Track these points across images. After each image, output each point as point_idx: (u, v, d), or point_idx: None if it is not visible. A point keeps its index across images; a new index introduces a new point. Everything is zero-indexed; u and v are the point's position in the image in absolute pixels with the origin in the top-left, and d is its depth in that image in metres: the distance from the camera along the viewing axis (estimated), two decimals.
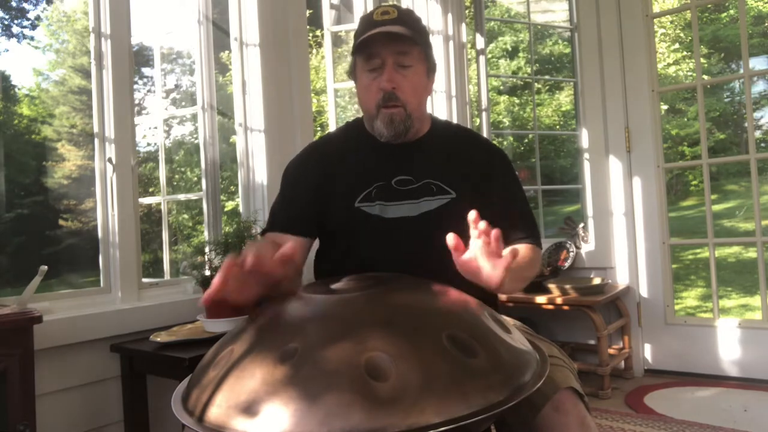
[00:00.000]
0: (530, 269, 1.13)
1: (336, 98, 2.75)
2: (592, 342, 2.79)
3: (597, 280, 2.78)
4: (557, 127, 12.36)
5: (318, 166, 1.26)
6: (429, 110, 2.79)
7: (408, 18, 1.20)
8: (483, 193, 1.22)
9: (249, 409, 0.61)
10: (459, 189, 1.20)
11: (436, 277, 0.94)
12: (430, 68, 1.25)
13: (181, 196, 3.24)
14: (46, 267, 1.36)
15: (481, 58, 3.06)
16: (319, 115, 7.22)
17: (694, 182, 12.30)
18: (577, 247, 2.99)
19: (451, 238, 0.88)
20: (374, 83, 1.18)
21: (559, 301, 2.62)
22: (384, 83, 1.16)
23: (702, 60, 11.94)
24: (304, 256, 1.26)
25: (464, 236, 1.19)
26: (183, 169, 8.19)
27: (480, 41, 3.07)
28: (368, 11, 1.32)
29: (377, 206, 1.18)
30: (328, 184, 1.23)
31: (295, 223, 1.22)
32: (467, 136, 1.33)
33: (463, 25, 3.16)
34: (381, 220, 1.18)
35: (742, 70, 2.98)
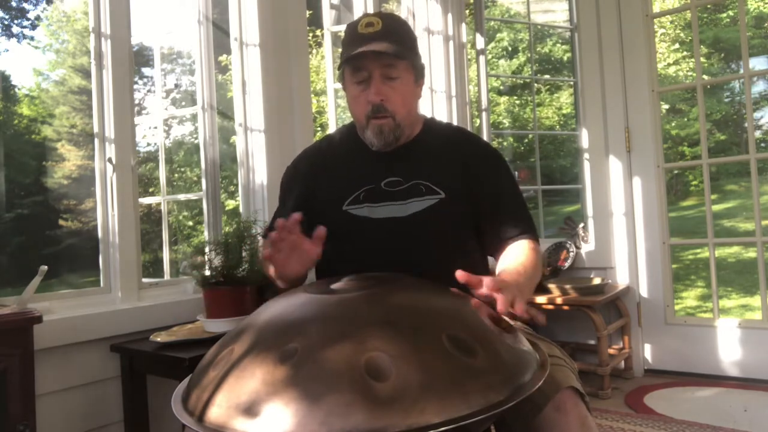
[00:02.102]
0: (535, 269, 1.12)
1: (336, 98, 2.75)
2: (592, 342, 2.79)
3: (597, 280, 2.78)
4: (557, 127, 12.37)
5: (309, 173, 1.29)
6: (429, 111, 2.78)
7: (393, 28, 1.19)
8: (472, 193, 1.22)
9: (249, 409, 0.61)
10: (448, 189, 1.20)
11: (425, 276, 0.94)
12: (417, 75, 1.25)
13: (181, 196, 3.24)
14: (46, 267, 1.36)
15: (481, 58, 3.06)
16: (319, 115, 7.22)
17: (694, 182, 12.30)
18: (577, 247, 2.99)
19: (461, 276, 0.83)
20: (363, 95, 1.19)
21: (559, 301, 2.62)
22: (372, 96, 1.17)
23: (702, 60, 11.93)
24: None
25: (452, 237, 1.19)
26: (183, 169, 8.19)
27: (480, 41, 3.07)
28: (361, 15, 1.32)
29: (365, 208, 1.20)
30: (319, 189, 1.26)
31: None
32: (460, 137, 1.32)
33: (463, 25, 3.16)
34: (369, 221, 1.19)
35: (742, 71, 2.98)
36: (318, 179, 1.27)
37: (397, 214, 1.18)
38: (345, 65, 1.21)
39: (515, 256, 1.14)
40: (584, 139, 3.05)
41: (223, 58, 3.30)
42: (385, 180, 1.21)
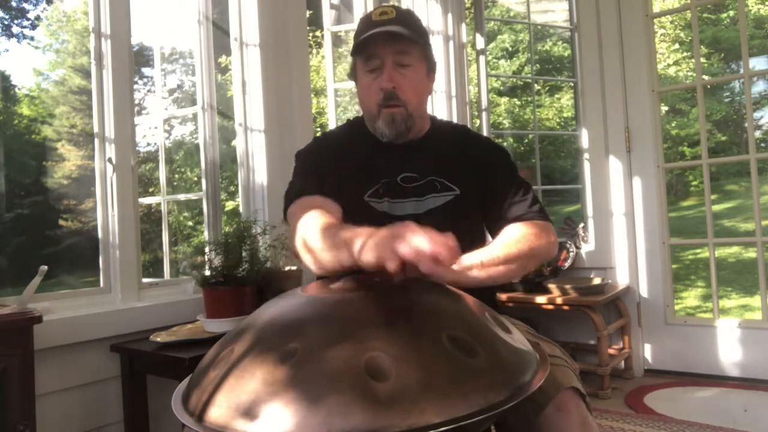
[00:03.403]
0: (519, 245, 1.10)
1: (336, 98, 2.75)
2: (592, 342, 2.79)
3: (597, 280, 2.78)
4: (557, 128, 12.38)
5: (326, 157, 1.25)
6: (429, 110, 2.80)
7: (407, 18, 1.20)
8: (485, 188, 1.23)
9: (249, 409, 0.61)
10: (462, 186, 1.21)
11: None
12: (430, 67, 1.25)
13: (181, 196, 3.24)
14: (46, 267, 1.36)
15: (481, 58, 3.06)
16: (319, 115, 7.22)
17: (694, 182, 12.32)
18: (577, 247, 2.99)
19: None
20: (375, 83, 1.19)
21: (559, 301, 2.62)
22: (384, 83, 1.17)
23: (702, 60, 11.94)
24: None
25: (467, 232, 1.19)
26: (183, 169, 8.19)
27: (480, 41, 3.07)
28: (368, 11, 1.33)
29: (385, 203, 1.19)
30: (339, 174, 1.21)
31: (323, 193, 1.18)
32: (468, 135, 1.34)
33: (463, 25, 3.16)
34: (388, 217, 1.18)
35: (742, 71, 2.97)
36: (340, 163, 1.22)
37: (415, 211, 1.18)
38: (357, 53, 1.21)
39: (496, 240, 1.14)
40: (584, 139, 3.05)
41: (223, 59, 3.30)
42: (400, 175, 1.21)
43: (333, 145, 1.30)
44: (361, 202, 1.19)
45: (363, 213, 1.17)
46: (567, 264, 2.94)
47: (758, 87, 12.19)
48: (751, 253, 6.93)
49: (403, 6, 3.01)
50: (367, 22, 1.20)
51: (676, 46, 12.75)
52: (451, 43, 3.05)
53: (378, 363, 0.62)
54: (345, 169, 1.22)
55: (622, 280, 2.89)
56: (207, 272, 1.59)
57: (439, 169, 1.22)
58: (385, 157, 1.23)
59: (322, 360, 0.63)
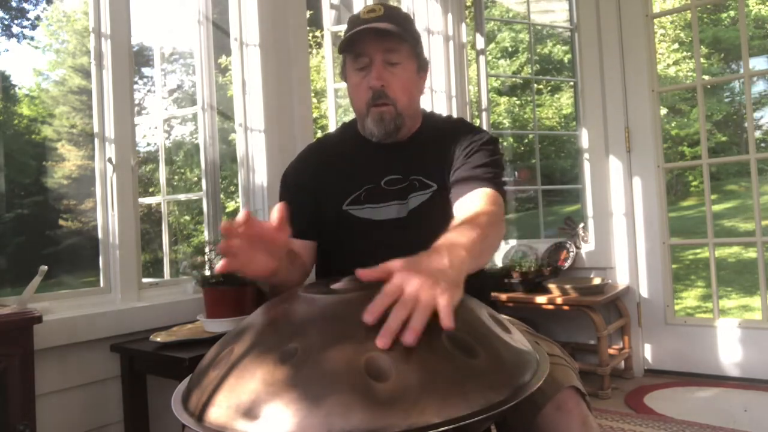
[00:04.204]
0: (483, 225, 0.97)
1: (336, 98, 2.75)
2: (592, 342, 2.79)
3: (597, 280, 2.78)
4: (557, 127, 12.38)
5: (313, 169, 1.27)
6: (430, 110, 2.78)
7: (395, 15, 1.19)
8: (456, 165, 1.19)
9: (249, 409, 0.61)
10: (439, 180, 1.19)
11: None
12: (420, 66, 1.24)
13: (181, 196, 3.24)
14: (46, 267, 1.36)
15: (481, 58, 3.06)
16: (321, 117, 7.21)
17: (694, 182, 12.32)
18: (577, 247, 2.99)
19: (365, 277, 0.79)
20: (363, 82, 1.18)
21: (559, 301, 2.62)
22: (373, 81, 1.16)
23: (702, 60, 11.94)
24: (312, 259, 1.26)
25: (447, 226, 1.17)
26: (183, 170, 8.19)
27: (480, 41, 3.07)
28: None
29: (366, 209, 1.18)
30: (321, 187, 1.23)
31: (298, 227, 1.22)
32: (453, 127, 1.29)
33: (463, 25, 3.16)
34: (371, 223, 1.17)
35: (742, 71, 2.97)
36: (322, 175, 1.24)
37: (399, 214, 1.18)
38: (346, 51, 1.21)
39: (463, 215, 1.04)
40: (584, 139, 3.05)
41: (222, 59, 3.30)
42: (385, 178, 1.20)
43: (321, 153, 1.30)
44: (342, 212, 1.19)
45: (344, 222, 1.18)
46: (567, 264, 2.94)
47: (758, 87, 12.20)
48: (751, 253, 6.93)
49: (403, 6, 3.01)
50: (355, 20, 1.19)
51: (676, 46, 12.76)
52: (451, 43, 3.05)
53: (378, 363, 0.62)
54: (330, 178, 1.23)
55: (622, 280, 2.89)
56: (207, 272, 1.59)
57: (421, 167, 1.20)
58: (372, 160, 1.23)
59: (322, 360, 0.63)
